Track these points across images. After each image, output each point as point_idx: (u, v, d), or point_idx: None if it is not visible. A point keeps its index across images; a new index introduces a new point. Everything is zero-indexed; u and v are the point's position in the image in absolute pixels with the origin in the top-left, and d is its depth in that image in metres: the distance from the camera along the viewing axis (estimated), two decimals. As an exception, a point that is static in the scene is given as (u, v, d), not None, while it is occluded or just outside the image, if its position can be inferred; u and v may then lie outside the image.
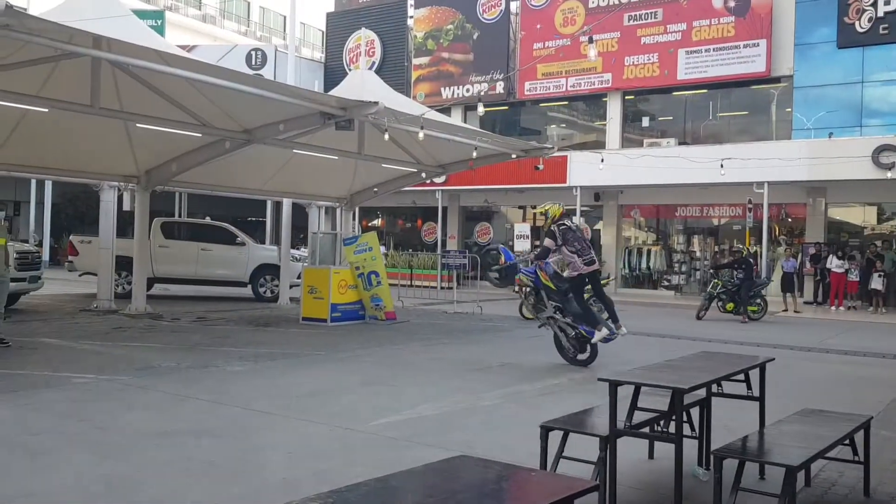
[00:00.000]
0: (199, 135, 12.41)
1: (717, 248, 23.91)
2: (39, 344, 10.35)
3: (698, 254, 24.82)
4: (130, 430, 6.03)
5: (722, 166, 19.40)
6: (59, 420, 6.31)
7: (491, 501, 2.50)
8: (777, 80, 22.73)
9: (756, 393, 5.30)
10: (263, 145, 13.25)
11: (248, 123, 12.46)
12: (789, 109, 22.47)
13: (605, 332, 9.58)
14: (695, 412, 5.21)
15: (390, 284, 15.36)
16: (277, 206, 27.60)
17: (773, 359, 5.51)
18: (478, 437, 6.14)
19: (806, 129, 21.71)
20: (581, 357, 9.85)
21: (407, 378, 8.87)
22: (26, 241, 19.68)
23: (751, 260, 17.88)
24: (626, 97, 25.57)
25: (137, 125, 12.15)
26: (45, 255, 30.45)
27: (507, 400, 7.66)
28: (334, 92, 13.58)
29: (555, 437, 4.47)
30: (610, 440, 4.16)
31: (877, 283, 19.29)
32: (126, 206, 16.10)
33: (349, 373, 9.07)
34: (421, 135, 11.14)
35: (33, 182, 30.77)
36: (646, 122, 26.10)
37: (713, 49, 23.19)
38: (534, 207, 27.84)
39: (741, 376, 5.19)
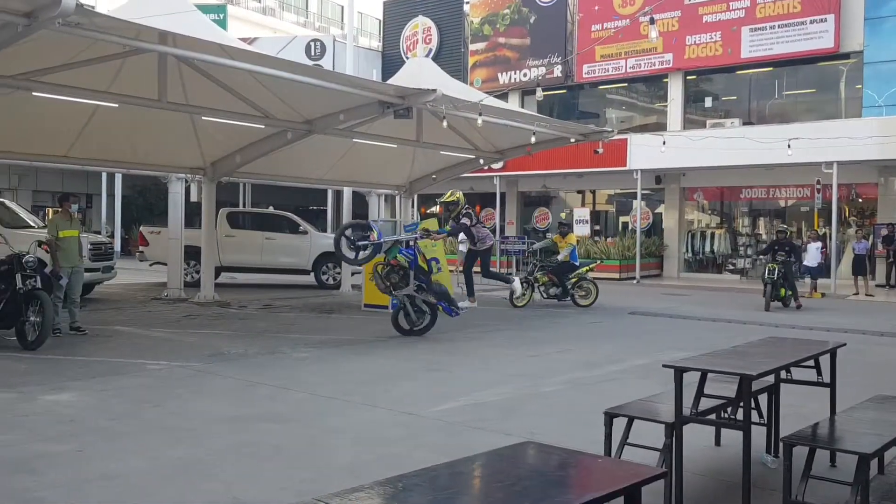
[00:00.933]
0: (262, 126, 12.66)
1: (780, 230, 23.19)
2: (114, 332, 10.73)
3: (764, 237, 24.19)
4: (202, 416, 6.23)
5: (789, 146, 18.84)
6: (134, 405, 6.56)
7: (557, 488, 2.51)
8: (846, 55, 21.91)
9: (826, 379, 5.17)
10: (323, 135, 13.44)
11: (309, 114, 12.64)
12: (859, 86, 21.65)
13: (475, 303, 12.09)
14: (763, 398, 5.13)
15: (450, 271, 15.44)
16: (338, 195, 27.93)
17: (844, 344, 5.37)
18: (539, 423, 6.16)
19: (877, 106, 20.90)
20: (418, 328, 10.92)
21: (467, 364, 8.92)
22: (98, 233, 20.33)
23: (795, 241, 16.81)
24: (688, 77, 25.02)
25: (202, 118, 12.44)
26: (117, 246, 31.57)
27: (567, 386, 7.65)
28: (392, 80, 13.66)
29: (619, 424, 4.45)
30: (676, 427, 4.12)
31: None
32: (193, 198, 16.52)
33: (410, 359, 9.17)
34: (479, 121, 11.14)
35: (104, 175, 31.79)
36: (708, 102, 25.50)
37: (778, 26, 22.48)
38: (570, 191, 27.59)
39: (811, 362, 5.07)
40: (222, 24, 25.02)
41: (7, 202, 15.80)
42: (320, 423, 6.13)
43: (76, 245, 10.33)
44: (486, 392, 7.29)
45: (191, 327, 11.41)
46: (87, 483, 4.61)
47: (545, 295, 15.15)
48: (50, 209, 38.27)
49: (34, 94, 9.93)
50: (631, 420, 4.35)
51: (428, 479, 2.61)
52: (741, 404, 4.09)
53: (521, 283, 14.67)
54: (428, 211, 31.47)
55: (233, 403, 6.69)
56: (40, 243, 9.94)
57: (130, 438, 5.56)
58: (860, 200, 22.48)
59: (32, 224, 14.21)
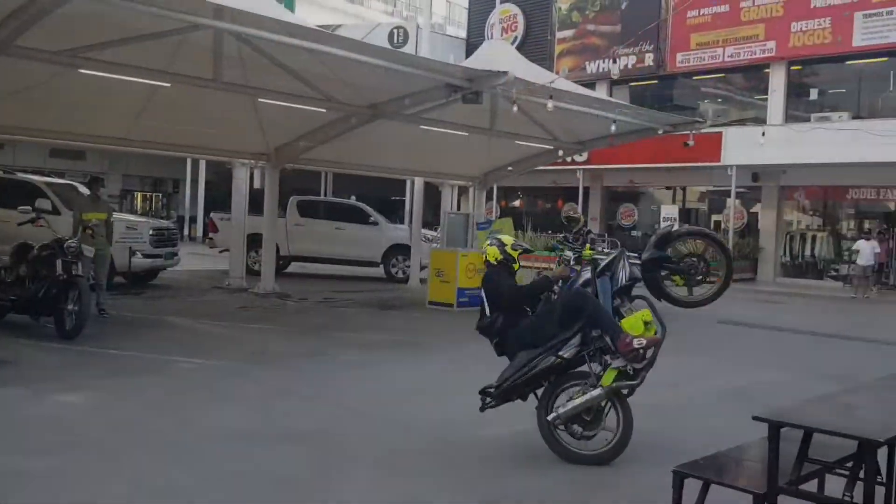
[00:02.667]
0: (324, 110, 11.98)
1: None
2: (162, 322, 10.27)
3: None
4: (212, 430, 5.49)
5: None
6: (144, 412, 5.92)
7: None
8: (973, 44, 19.71)
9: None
10: (394, 122, 12.70)
11: (374, 98, 11.89)
12: None
13: None
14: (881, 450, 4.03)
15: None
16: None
17: None
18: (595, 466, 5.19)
19: None
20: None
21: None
22: (165, 218, 20.23)
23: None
24: (792, 67, 23.10)
25: (264, 101, 11.85)
26: (199, 232, 31.89)
27: (638, 412, 6.58)
28: (466, 63, 12.77)
29: (692, 486, 3.45)
30: (769, 498, 3.11)
31: None
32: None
33: (464, 368, 8.23)
34: (549, 105, 10.10)
35: (188, 161, 32.13)
36: (814, 94, 23.52)
37: (896, 11, 20.42)
38: (683, 189, 26.03)
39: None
40: (290, 4, 24.27)
41: (79, 186, 15.72)
42: (343, 445, 5.30)
43: (102, 228, 10.03)
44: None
45: (242, 320, 10.86)
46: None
47: None
48: (139, 193, 39.31)
49: (81, 71, 9.49)
50: (707, 484, 3.35)
51: None
52: (860, 476, 3.04)
53: None
54: (509, 205, 30.52)
55: (253, 416, 5.96)
56: (84, 228, 9.52)
57: (123, 455, 4.88)
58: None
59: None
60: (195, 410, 6.00)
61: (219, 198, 32.71)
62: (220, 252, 18.80)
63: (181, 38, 10.09)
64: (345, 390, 6.87)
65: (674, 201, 26.09)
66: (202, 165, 32.24)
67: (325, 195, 29.81)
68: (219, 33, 10.03)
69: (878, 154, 18.01)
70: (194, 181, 33.24)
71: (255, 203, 15.74)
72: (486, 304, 5.28)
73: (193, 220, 33.09)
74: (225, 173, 32.73)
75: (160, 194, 38.65)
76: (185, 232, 32.85)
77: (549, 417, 4.95)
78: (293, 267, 18.78)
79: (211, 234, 18.83)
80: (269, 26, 9.06)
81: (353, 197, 25.86)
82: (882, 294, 19.31)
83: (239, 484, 4.46)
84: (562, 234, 9.09)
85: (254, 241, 15.63)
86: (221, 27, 9.25)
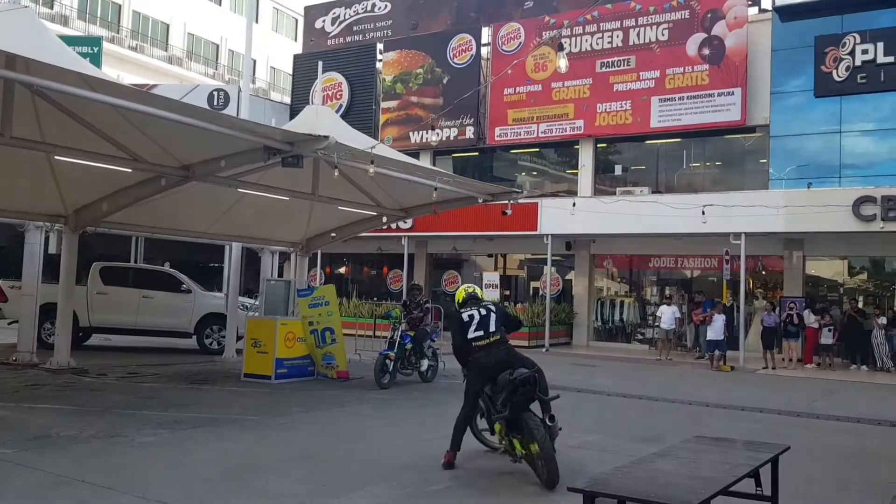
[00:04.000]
0: (130, 170, 11.21)
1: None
2: (-73, 405, 8.96)
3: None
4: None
5: (703, 212, 18.57)
6: None
7: None
8: (752, 129, 22.11)
9: (767, 491, 4.17)
10: (210, 184, 12.10)
11: (186, 159, 11.29)
12: (764, 160, 21.83)
13: None
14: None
15: (352, 335, 14.06)
16: (241, 252, 26.20)
17: (788, 448, 4.41)
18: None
19: (782, 179, 21.05)
20: None
21: (348, 451, 7.63)
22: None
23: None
24: (599, 145, 24.84)
25: (62, 159, 10.93)
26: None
27: (458, 484, 6.43)
28: (287, 126, 12.50)
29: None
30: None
31: (826, 337, 18.61)
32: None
33: (280, 444, 7.79)
34: (371, 170, 10.03)
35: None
36: (618, 170, 25.34)
37: (687, 97, 22.56)
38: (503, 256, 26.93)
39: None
40: (96, 59, 22.74)
41: None
42: (133, 541, 4.73)
43: None
44: (360, 493, 6.01)
45: (28, 400, 9.70)
46: None
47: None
48: None
49: None
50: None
51: None
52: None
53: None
54: (334, 271, 30.10)
55: (26, 512, 5.21)
56: None
57: None
58: (764, 273, 22.46)
59: None
60: (-47, 510, 5.15)
61: (12, 263, 29.85)
62: (10, 324, 16.99)
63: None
64: (142, 476, 6.18)
65: (495, 268, 26.86)
66: (-6, 228, 29.38)
67: (136, 261, 27.99)
68: (9, 84, 9.20)
69: (674, 225, 19.54)
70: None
71: (54, 269, 14.41)
72: (493, 320, 7.27)
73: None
74: (18, 237, 30.19)
75: None
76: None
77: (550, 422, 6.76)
78: (97, 339, 17.33)
79: (-1, 305, 17.00)
80: (69, 80, 8.42)
81: (167, 263, 24.45)
82: (682, 356, 20.67)
83: None
84: (403, 300, 11.78)
85: (49, 312, 14.26)
86: (13, 77, 8.48)
